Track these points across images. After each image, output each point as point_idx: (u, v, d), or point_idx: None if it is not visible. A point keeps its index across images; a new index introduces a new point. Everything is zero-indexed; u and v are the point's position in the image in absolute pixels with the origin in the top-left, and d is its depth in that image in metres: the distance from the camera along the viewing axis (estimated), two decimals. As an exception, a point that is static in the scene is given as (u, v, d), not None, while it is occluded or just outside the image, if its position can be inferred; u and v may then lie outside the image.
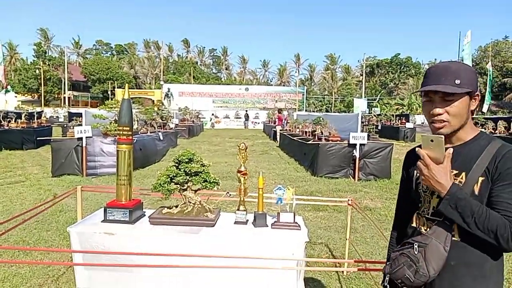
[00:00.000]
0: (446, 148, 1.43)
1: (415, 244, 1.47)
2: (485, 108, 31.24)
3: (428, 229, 1.52)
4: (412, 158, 1.74)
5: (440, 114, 1.48)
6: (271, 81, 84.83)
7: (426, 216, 1.56)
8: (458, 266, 1.46)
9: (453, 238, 1.46)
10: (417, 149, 1.48)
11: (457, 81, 1.44)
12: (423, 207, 1.60)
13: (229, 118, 42.02)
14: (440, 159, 1.41)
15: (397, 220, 1.85)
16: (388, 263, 1.60)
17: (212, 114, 41.20)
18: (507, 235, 1.32)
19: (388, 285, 1.61)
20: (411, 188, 1.69)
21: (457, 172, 1.48)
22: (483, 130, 1.75)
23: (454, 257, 1.45)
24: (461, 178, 1.48)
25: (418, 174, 1.63)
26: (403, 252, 1.51)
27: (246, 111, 42.90)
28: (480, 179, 1.44)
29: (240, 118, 42.01)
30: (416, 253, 1.46)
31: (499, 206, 1.37)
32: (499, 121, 17.41)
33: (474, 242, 1.43)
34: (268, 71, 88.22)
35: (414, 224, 1.63)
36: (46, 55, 66.47)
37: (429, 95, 1.52)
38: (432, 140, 1.42)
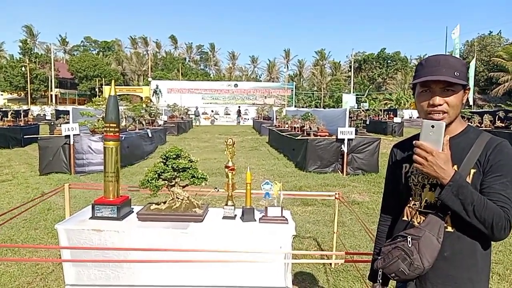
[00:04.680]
0: None
1: (409, 237, 1.49)
2: (471, 101, 31.72)
3: (421, 221, 1.54)
4: (400, 151, 1.75)
5: (440, 104, 1.49)
6: (260, 77, 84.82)
7: (419, 209, 1.58)
8: (451, 256, 1.48)
9: (446, 230, 1.48)
10: (414, 141, 1.46)
11: (457, 73, 1.46)
12: (414, 200, 1.61)
13: (218, 114, 41.87)
14: (440, 147, 1.41)
15: (385, 214, 1.86)
16: (380, 257, 1.61)
17: (212, 111, 41.08)
18: (501, 223, 1.36)
19: (381, 280, 1.63)
20: (399, 181, 1.69)
21: None
22: (470, 123, 1.78)
23: (447, 248, 1.47)
24: None
25: (407, 168, 1.65)
26: (397, 245, 1.52)
27: (239, 107, 42.66)
28: (472, 171, 1.47)
29: (229, 114, 41.86)
30: (410, 246, 1.47)
31: (492, 197, 1.40)
32: (485, 115, 17.67)
33: (467, 232, 1.46)
34: (257, 67, 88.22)
35: (405, 218, 1.64)
36: (32, 52, 65.46)
37: (428, 85, 1.51)
38: (433, 126, 1.41)
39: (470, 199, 1.37)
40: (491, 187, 1.43)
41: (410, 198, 1.64)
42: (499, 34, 59.64)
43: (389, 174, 1.83)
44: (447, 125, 1.49)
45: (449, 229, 1.49)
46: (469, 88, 1.56)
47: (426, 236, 1.46)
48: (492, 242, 1.53)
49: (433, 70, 1.49)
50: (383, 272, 1.57)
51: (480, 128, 14.63)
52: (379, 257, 1.61)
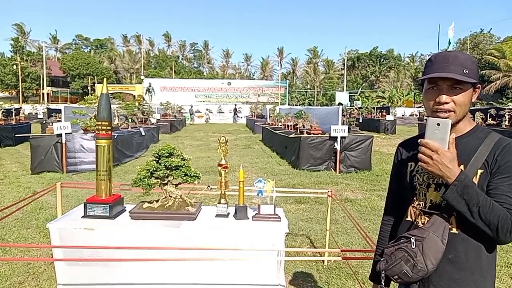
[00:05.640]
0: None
1: (412, 238, 1.45)
2: None
3: (426, 222, 1.50)
4: (406, 149, 1.71)
5: (447, 103, 1.44)
6: (253, 75, 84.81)
7: (423, 209, 1.54)
8: (455, 258, 1.45)
9: (451, 231, 1.44)
10: (419, 139, 1.42)
11: (466, 71, 1.42)
12: (418, 200, 1.58)
13: (212, 112, 41.75)
14: (445, 146, 1.37)
15: (388, 214, 1.81)
16: (383, 259, 1.56)
17: (207, 109, 40.99)
18: (507, 226, 1.32)
19: (384, 283, 1.57)
20: (404, 180, 1.65)
21: None
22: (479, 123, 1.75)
23: (451, 250, 1.44)
24: None
25: (413, 166, 1.61)
26: (400, 247, 1.48)
27: (235, 105, 42.54)
28: (479, 171, 1.43)
29: (223, 112, 41.75)
30: (413, 247, 1.43)
31: (498, 198, 1.37)
32: (476, 112, 17.77)
33: (472, 234, 1.42)
34: (251, 65, 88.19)
35: (409, 218, 1.60)
36: (24, 50, 64.91)
37: (435, 82, 1.47)
38: (438, 124, 1.38)
39: (475, 200, 1.33)
40: (498, 189, 1.39)
41: (415, 198, 1.60)
42: (490, 32, 60.10)
43: (394, 172, 1.78)
44: (455, 124, 1.46)
45: (454, 230, 1.45)
46: (479, 87, 1.51)
47: (430, 237, 1.42)
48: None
49: (441, 67, 1.45)
50: (386, 274, 1.53)
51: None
52: (382, 259, 1.57)
